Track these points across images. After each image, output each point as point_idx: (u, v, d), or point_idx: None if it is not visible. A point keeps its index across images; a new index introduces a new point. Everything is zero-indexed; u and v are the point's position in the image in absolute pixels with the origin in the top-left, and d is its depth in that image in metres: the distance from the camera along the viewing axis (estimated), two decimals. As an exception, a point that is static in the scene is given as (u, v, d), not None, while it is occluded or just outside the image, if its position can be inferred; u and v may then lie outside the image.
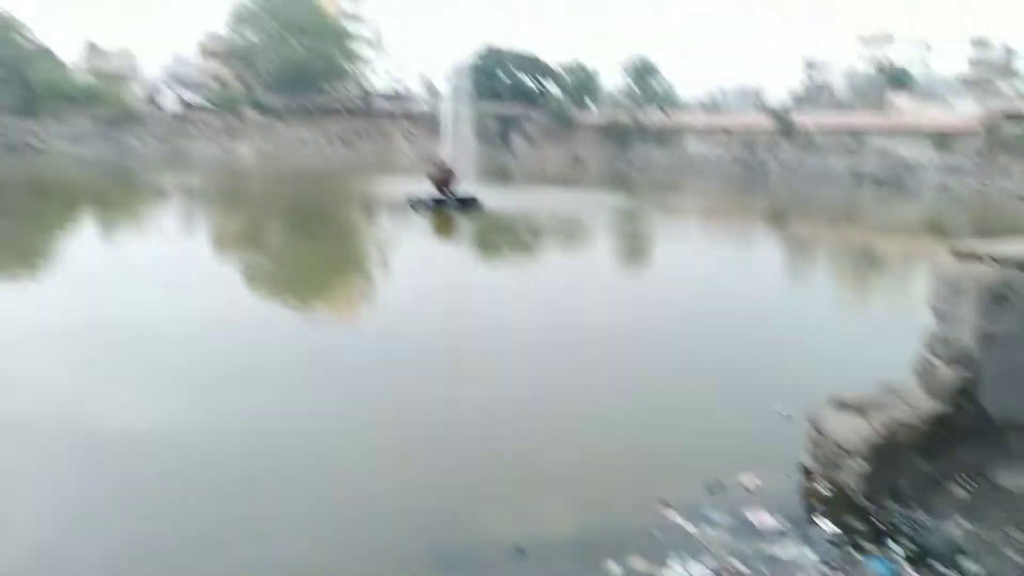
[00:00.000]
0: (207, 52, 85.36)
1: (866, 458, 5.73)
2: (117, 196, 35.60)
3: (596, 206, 35.95)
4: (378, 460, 7.57)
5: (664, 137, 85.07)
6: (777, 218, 35.22)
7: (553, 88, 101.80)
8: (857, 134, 67.76)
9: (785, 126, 73.56)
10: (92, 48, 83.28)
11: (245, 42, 78.32)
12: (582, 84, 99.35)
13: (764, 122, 76.31)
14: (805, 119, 75.03)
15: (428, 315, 14.02)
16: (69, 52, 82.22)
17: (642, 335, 12.56)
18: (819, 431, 6.41)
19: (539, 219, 29.30)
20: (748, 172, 73.31)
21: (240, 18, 77.50)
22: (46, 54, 69.47)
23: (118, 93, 68.48)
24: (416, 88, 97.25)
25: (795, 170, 70.32)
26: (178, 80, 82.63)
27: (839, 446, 6.02)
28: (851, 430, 6.00)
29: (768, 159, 73.74)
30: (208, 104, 75.40)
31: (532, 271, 19.13)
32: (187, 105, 74.03)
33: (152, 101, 73.51)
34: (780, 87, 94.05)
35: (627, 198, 42.29)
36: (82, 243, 21.30)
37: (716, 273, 19.51)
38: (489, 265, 19.72)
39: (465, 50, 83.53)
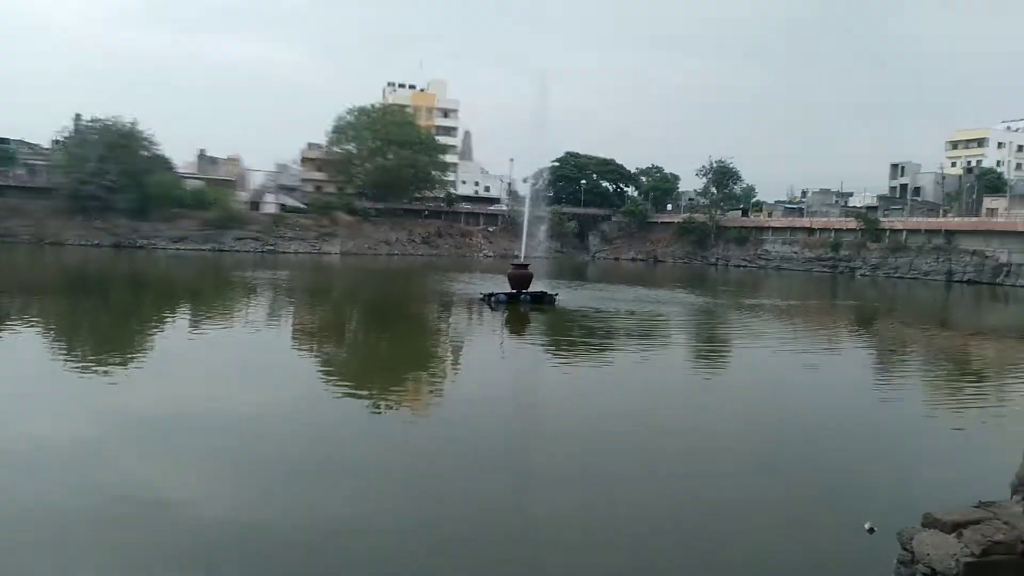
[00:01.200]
0: (307, 160, 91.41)
1: (960, 582, 5.18)
2: (208, 291, 37.63)
3: (671, 303, 35.51)
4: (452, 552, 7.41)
5: (743, 236, 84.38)
6: (866, 320, 33.81)
7: (631, 190, 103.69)
8: (949, 235, 65.40)
9: (872, 227, 71.88)
10: (203, 155, 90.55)
11: (343, 152, 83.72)
12: (660, 186, 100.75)
13: (849, 223, 74.84)
14: (893, 220, 73.21)
15: (493, 411, 13.95)
16: (183, 156, 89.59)
17: (723, 443, 12.01)
18: (909, 551, 5.87)
19: (610, 315, 29.10)
20: (832, 272, 71.37)
21: (340, 130, 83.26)
22: (162, 161, 75.90)
23: (223, 198, 73.59)
24: (497, 191, 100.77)
25: (883, 271, 68.03)
26: (278, 185, 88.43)
27: (931, 568, 5.47)
28: (944, 550, 5.46)
29: (854, 259, 71.74)
30: (303, 207, 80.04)
31: (598, 368, 18.81)
32: (284, 208, 78.76)
33: (254, 205, 78.59)
34: (864, 187, 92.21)
35: (704, 296, 41.65)
36: (170, 335, 22.41)
37: (803, 378, 18.71)
38: (553, 361, 19.56)
39: (546, 155, 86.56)
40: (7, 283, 35.86)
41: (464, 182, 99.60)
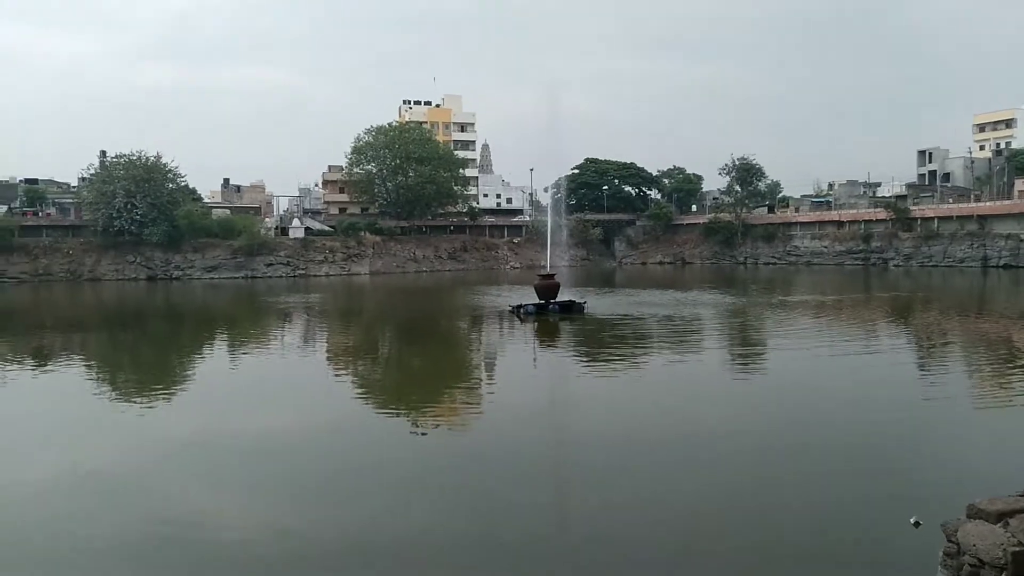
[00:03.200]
0: (329, 183, 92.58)
1: (1007, 571, 5.16)
2: (244, 317, 38.27)
3: (705, 305, 35.26)
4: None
5: (771, 233, 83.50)
6: (906, 311, 33.25)
7: (654, 193, 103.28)
8: (982, 220, 64.10)
9: (902, 216, 70.72)
10: (227, 184, 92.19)
11: (364, 172, 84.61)
12: (683, 187, 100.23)
13: (879, 213, 73.71)
14: (924, 208, 72.00)
15: (531, 422, 14.04)
16: (208, 185, 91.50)
17: (769, 442, 11.93)
18: (955, 542, 5.85)
19: (640, 321, 29.00)
20: (864, 264, 70.32)
21: (359, 151, 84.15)
22: (189, 192, 77.46)
23: (250, 225, 74.78)
24: (519, 202, 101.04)
25: (916, 260, 66.87)
26: (303, 209, 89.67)
27: (978, 559, 5.45)
28: (991, 541, 5.44)
29: (886, 250, 70.62)
30: (329, 229, 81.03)
31: (634, 376, 18.78)
32: (310, 231, 79.82)
33: (280, 230, 79.77)
34: (892, 176, 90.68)
35: (738, 296, 41.27)
36: (210, 362, 22.90)
37: (845, 373, 18.44)
38: (586, 369, 19.57)
39: (565, 163, 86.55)
40: (60, 321, 36.78)
41: (486, 195, 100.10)
